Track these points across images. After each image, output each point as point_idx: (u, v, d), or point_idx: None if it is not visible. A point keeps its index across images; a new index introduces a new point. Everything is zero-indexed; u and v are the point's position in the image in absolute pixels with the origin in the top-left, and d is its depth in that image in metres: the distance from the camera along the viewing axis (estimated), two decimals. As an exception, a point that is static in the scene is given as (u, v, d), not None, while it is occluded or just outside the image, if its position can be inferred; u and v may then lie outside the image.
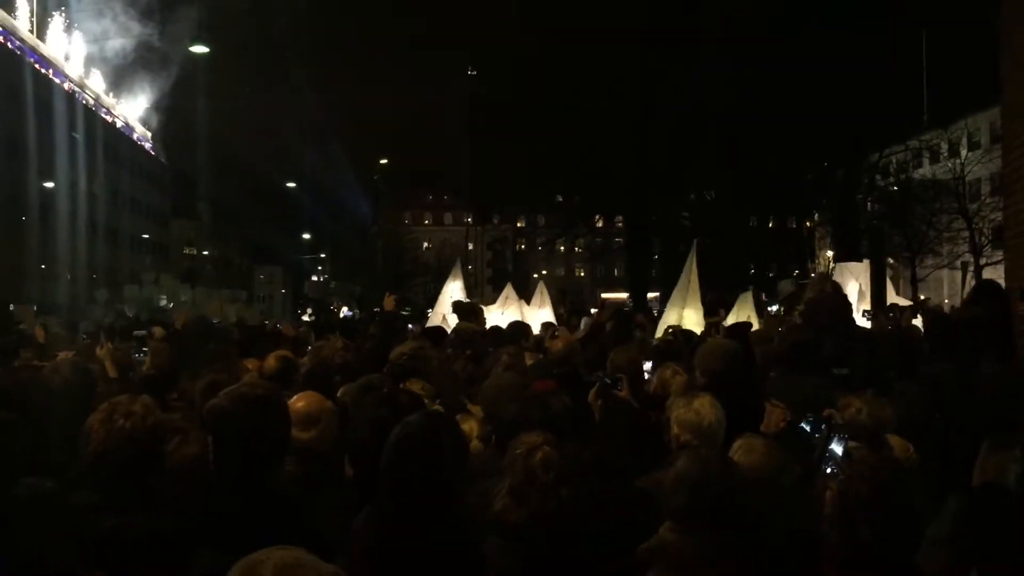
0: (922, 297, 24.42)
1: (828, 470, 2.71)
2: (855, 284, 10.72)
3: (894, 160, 45.10)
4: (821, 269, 48.94)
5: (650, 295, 38.10)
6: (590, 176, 37.15)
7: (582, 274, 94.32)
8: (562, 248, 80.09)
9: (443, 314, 12.59)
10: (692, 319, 11.01)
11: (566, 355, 6.48)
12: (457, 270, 13.47)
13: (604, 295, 61.49)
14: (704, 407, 3.81)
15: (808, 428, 3.27)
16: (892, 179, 44.56)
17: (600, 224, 57.87)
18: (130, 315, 27.30)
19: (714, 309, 16.43)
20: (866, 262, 11.20)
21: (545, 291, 13.74)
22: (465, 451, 3.00)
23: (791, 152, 37.33)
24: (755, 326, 10.47)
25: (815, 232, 54.09)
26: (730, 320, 11.50)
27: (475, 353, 7.15)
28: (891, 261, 38.54)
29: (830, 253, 46.37)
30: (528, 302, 13.45)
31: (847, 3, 30.79)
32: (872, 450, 2.82)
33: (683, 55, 31.56)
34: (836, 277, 10.77)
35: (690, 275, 11.87)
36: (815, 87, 32.48)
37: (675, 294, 11.99)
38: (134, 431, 2.77)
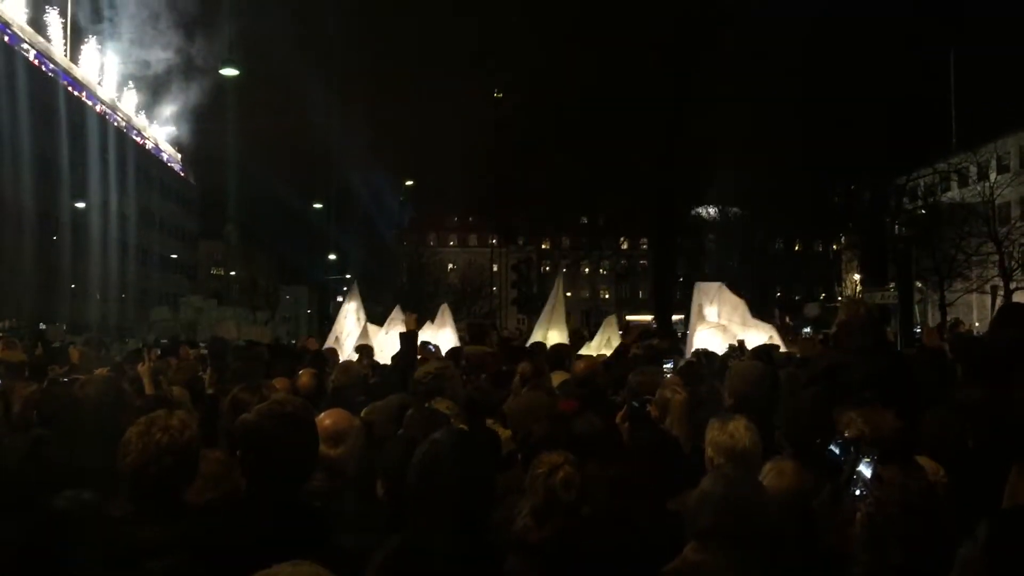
0: (950, 320, 24.13)
1: (857, 492, 2.69)
2: (710, 307, 10.75)
3: (922, 183, 44.76)
4: (848, 292, 48.60)
5: (675, 317, 37.97)
6: (615, 197, 37.16)
7: (607, 296, 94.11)
8: (587, 270, 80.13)
9: (337, 335, 12.83)
10: (555, 338, 11.33)
11: (588, 376, 6.49)
12: (354, 291, 13.65)
13: (629, 317, 61.27)
14: (739, 430, 3.78)
15: (838, 450, 3.25)
16: (920, 202, 44.23)
17: (625, 246, 57.86)
18: (179, 335, 27.65)
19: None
20: (720, 284, 11.25)
21: (447, 311, 13.83)
22: (491, 469, 3.01)
23: (818, 174, 37.15)
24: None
25: (842, 255, 53.75)
26: (594, 344, 11.62)
27: (493, 375, 7.13)
28: (919, 285, 38.24)
29: (857, 276, 46.01)
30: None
31: (875, 26, 30.71)
32: (903, 471, 2.80)
33: (709, 74, 31.59)
34: (694, 299, 10.91)
35: (556, 298, 12.39)
36: (843, 109, 32.39)
37: (542, 315, 12.47)
38: (171, 445, 2.81)
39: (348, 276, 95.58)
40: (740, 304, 10.75)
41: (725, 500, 2.71)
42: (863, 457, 2.74)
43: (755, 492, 2.82)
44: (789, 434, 3.90)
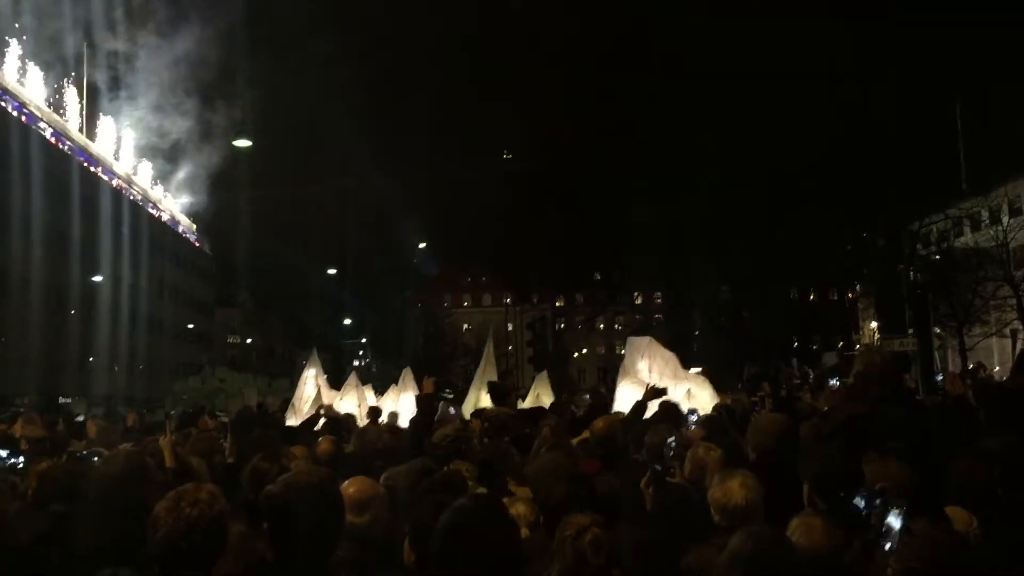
0: (971, 366, 23.88)
1: (887, 546, 2.64)
2: (642, 362, 11.03)
3: (934, 229, 44.73)
4: (866, 340, 48.26)
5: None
6: (627, 252, 37.28)
7: (623, 351, 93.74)
8: (601, 326, 79.92)
9: (295, 402, 13.49)
10: (486, 400, 11.67)
11: (608, 434, 6.43)
12: (313, 358, 14.45)
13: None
14: (733, 487, 3.73)
15: (862, 503, 3.19)
16: (934, 248, 44.15)
17: (639, 300, 57.90)
18: (204, 405, 27.77)
19: (756, 384, 16.24)
20: (650, 339, 11.62)
21: (410, 375, 14.26)
22: (516, 534, 2.98)
23: (830, 221, 37.22)
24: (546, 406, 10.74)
25: (858, 303, 53.51)
26: (527, 402, 11.84)
27: (516, 438, 7.08)
28: (938, 330, 38.01)
29: (874, 324, 45.72)
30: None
31: (882, 74, 31.00)
32: (932, 523, 2.75)
33: (719, 125, 31.93)
34: (627, 353, 11.32)
35: (486, 359, 13.00)
36: (854, 156, 32.57)
37: (475, 379, 12.99)
38: (200, 519, 2.82)
39: (364, 340, 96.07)
40: (672, 358, 11.04)
41: (755, 559, 2.67)
42: (891, 509, 2.70)
43: (785, 549, 2.78)
44: (819, 488, 3.86)
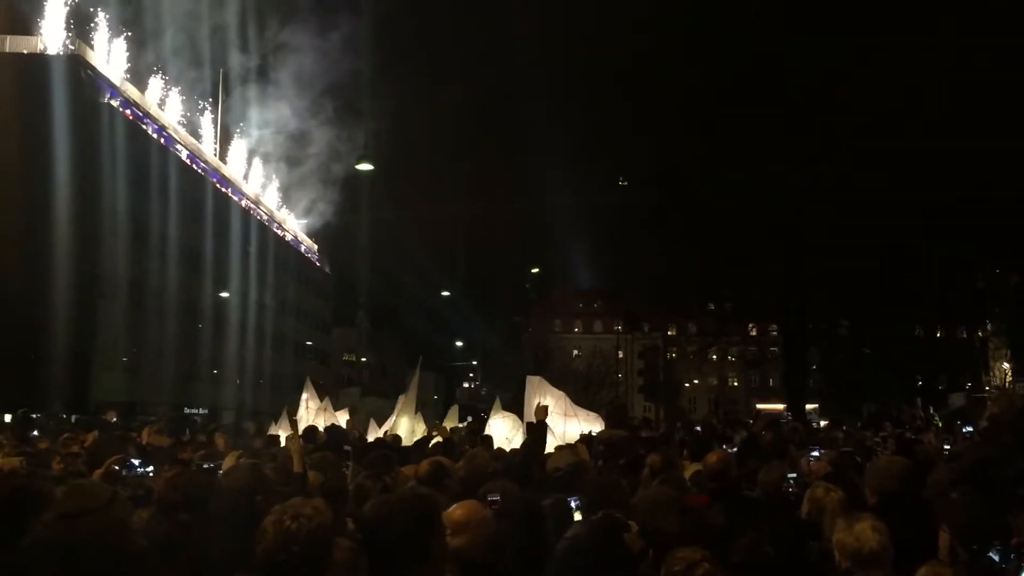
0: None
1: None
2: (536, 399, 11.30)
3: (1073, 266, 42.20)
4: (996, 382, 45.79)
5: (808, 406, 36.49)
6: (742, 282, 36.47)
7: (736, 383, 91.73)
8: (714, 357, 78.36)
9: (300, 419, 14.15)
10: (403, 426, 13.16)
11: (721, 469, 6.30)
12: (307, 383, 16.08)
13: (759, 405, 59.49)
14: (865, 532, 3.59)
15: (997, 557, 3.04)
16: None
17: (754, 332, 56.48)
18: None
19: (878, 423, 15.61)
20: (540, 378, 12.35)
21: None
22: (630, 561, 2.97)
23: (961, 256, 35.59)
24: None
25: (988, 343, 50.88)
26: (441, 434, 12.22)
27: (629, 462, 7.01)
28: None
29: (1007, 365, 43.39)
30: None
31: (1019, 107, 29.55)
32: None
33: (840, 155, 30.98)
34: (527, 393, 11.85)
35: (411, 389, 14.31)
36: (987, 188, 31.15)
37: (401, 403, 14.22)
38: (299, 532, 2.91)
39: (475, 362, 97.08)
40: (562, 396, 12.07)
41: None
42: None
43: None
44: (963, 538, 3.68)
